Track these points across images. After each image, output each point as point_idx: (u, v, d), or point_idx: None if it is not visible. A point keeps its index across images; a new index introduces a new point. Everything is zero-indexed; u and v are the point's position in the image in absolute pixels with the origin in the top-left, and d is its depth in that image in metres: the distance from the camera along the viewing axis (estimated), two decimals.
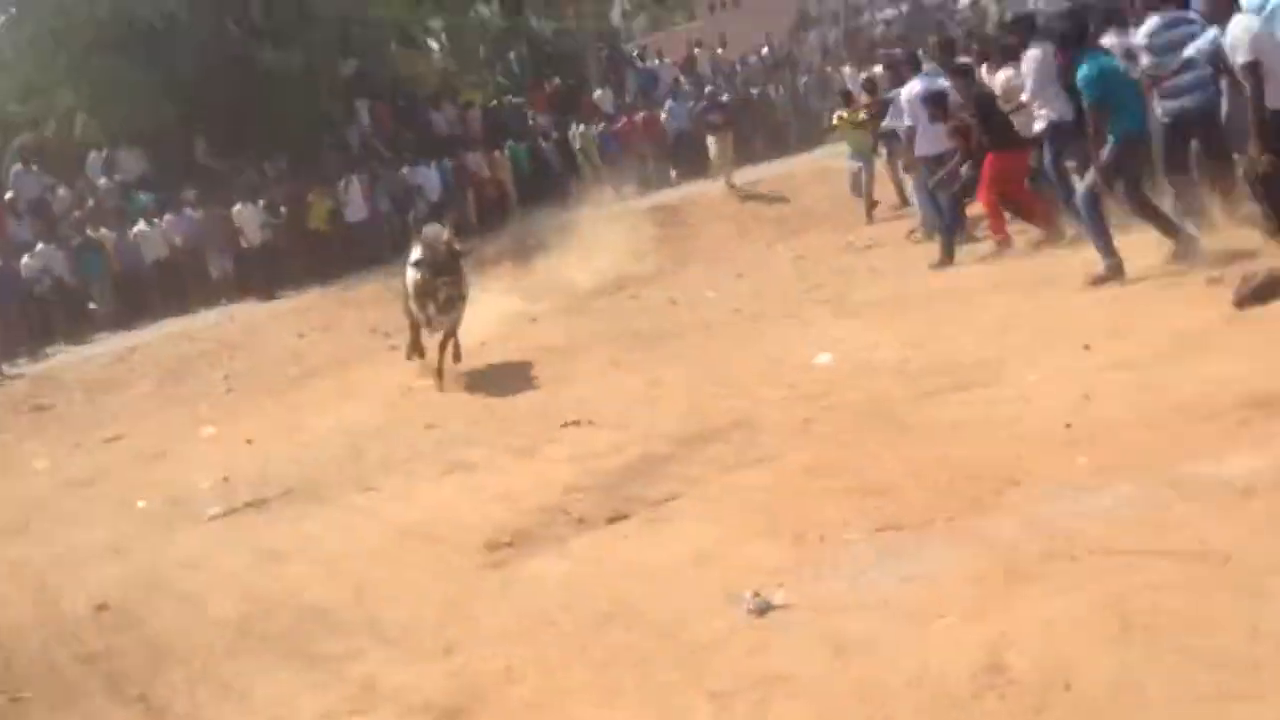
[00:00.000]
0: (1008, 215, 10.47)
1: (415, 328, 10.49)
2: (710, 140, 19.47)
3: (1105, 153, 7.77)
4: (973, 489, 4.99)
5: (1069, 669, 3.35)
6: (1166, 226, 7.95)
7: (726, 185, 18.84)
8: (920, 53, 13.85)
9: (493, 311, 11.62)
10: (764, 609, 4.25)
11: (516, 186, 21.05)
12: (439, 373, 10.01)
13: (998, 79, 10.65)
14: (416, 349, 10.56)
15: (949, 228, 10.75)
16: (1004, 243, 10.29)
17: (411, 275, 9.87)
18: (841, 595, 4.25)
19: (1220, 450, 4.78)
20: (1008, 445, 5.48)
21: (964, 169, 10.56)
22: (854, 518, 4.97)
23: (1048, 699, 3.25)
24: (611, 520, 5.68)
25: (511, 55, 28.20)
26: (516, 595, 4.93)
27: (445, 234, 10.01)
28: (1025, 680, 3.37)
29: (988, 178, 10.16)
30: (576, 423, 7.71)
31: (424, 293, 9.68)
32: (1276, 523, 3.99)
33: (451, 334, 10.09)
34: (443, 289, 9.49)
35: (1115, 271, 7.83)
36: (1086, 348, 6.78)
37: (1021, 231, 10.68)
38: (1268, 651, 3.21)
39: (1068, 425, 5.58)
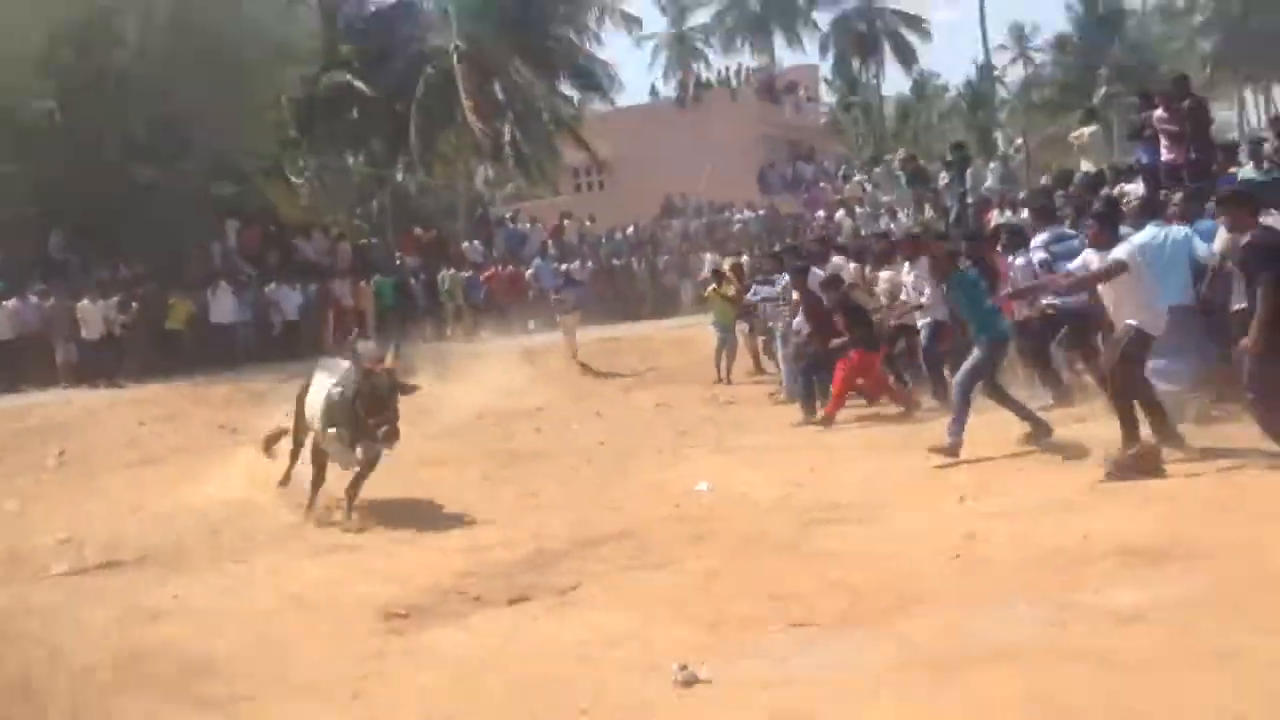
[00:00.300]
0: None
1: (311, 460, 8.59)
2: (558, 319, 18.87)
3: (977, 351, 8.51)
4: (879, 601, 5.19)
5: None
6: (1022, 413, 8.67)
7: (573, 361, 18.08)
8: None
9: None
10: (691, 681, 4.29)
11: (379, 319, 21.04)
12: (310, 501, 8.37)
13: (880, 277, 11.93)
14: (316, 483, 8.45)
15: (809, 389, 11.34)
16: (829, 420, 10.80)
17: (331, 399, 8.12)
18: (767, 675, 4.33)
19: (1103, 586, 5.16)
20: (903, 571, 5.73)
21: (809, 346, 11.54)
22: (767, 614, 5.10)
23: None
24: (513, 602, 5.63)
25: (375, 204, 28.62)
26: (430, 657, 4.80)
27: (388, 357, 8.23)
28: None
29: (847, 368, 10.84)
30: (460, 518, 7.62)
31: (350, 426, 7.92)
32: (1166, 642, 4.32)
33: (368, 472, 8.25)
34: (383, 424, 7.75)
35: (954, 451, 8.36)
36: (961, 500, 7.22)
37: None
38: None
39: (957, 556, 5.90)
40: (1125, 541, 5.76)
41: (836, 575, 5.68)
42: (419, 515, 7.99)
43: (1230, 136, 15.03)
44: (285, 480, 9.03)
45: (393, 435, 7.80)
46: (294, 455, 9.03)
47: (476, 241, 26.13)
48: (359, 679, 4.57)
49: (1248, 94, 52.80)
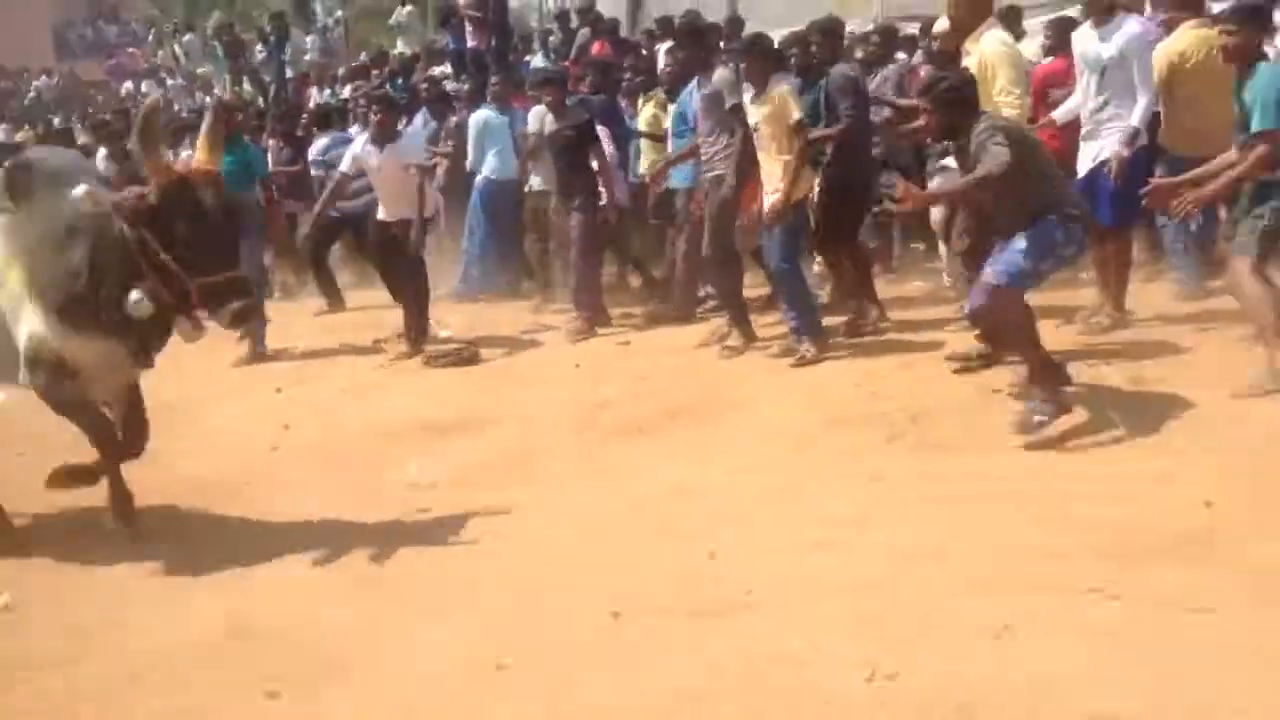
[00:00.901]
0: None
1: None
2: None
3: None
4: (205, 496, 5.39)
5: (303, 619, 3.99)
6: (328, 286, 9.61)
7: None
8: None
9: None
10: None
11: None
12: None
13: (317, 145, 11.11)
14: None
15: None
16: None
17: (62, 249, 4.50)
18: (88, 582, 4.46)
19: (405, 460, 5.84)
20: (230, 462, 6.00)
21: None
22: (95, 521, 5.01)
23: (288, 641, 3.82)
24: None
25: None
26: None
27: (201, 147, 4.51)
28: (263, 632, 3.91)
29: None
30: None
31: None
32: (453, 501, 5.06)
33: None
34: (230, 289, 4.29)
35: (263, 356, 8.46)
36: (278, 390, 7.54)
37: None
38: (464, 590, 4.17)
39: (275, 449, 6.28)
40: (422, 418, 6.49)
41: (170, 475, 5.65)
42: None
43: (532, 24, 16.54)
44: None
45: (251, 309, 4.51)
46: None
47: None
48: None
49: None
